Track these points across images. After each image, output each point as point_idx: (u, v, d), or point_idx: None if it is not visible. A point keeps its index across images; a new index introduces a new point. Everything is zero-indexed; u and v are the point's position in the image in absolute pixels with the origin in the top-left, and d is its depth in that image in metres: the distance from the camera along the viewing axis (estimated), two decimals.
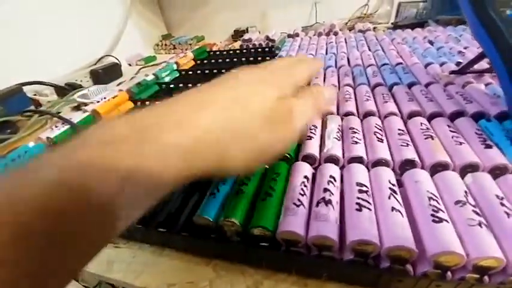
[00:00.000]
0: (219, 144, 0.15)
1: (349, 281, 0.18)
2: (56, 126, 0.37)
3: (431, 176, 0.21)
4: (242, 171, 0.17)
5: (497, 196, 0.18)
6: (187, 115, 0.14)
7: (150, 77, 0.51)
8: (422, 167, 0.22)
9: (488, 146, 0.23)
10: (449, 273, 0.16)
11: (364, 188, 0.19)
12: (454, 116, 0.28)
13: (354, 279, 0.18)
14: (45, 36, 0.65)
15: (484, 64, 0.38)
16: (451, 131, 0.25)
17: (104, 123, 0.14)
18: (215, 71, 0.55)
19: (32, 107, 0.52)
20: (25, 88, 0.54)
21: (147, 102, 0.45)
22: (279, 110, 0.17)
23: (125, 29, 0.84)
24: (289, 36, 0.66)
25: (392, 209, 0.18)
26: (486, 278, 0.16)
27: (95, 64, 0.73)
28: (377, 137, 0.24)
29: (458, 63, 0.40)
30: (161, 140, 0.13)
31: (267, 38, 0.68)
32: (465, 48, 0.46)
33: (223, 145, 0.15)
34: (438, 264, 0.16)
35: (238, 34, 0.87)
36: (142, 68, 0.74)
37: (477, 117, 0.27)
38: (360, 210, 0.17)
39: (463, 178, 0.20)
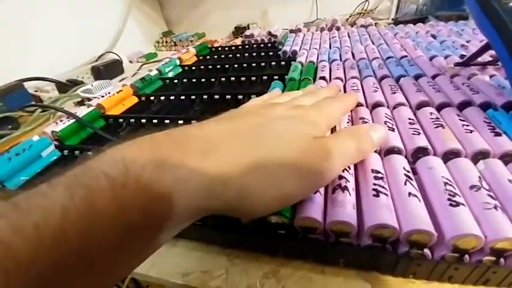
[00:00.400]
0: (243, 180, 0.13)
1: (367, 267, 0.18)
2: (61, 121, 0.37)
3: (444, 163, 0.21)
4: (259, 215, 0.15)
5: (510, 181, 0.18)
6: (215, 144, 0.14)
7: (154, 72, 0.50)
8: (435, 155, 0.22)
9: (498, 134, 0.23)
10: (466, 256, 0.17)
11: (379, 175, 0.19)
12: (462, 106, 0.28)
13: (372, 265, 0.18)
14: (45, 33, 0.64)
15: (486, 57, 0.39)
16: (460, 120, 0.25)
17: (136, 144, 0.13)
18: (218, 66, 0.55)
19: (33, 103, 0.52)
20: (26, 84, 0.54)
21: (152, 97, 0.45)
22: (316, 151, 0.15)
23: (125, 26, 0.83)
24: (292, 31, 0.66)
25: (409, 194, 0.18)
26: (502, 260, 0.16)
27: (96, 61, 0.72)
28: (388, 126, 0.24)
29: (462, 56, 0.41)
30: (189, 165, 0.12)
31: (269, 33, 0.68)
32: (467, 41, 0.47)
33: (246, 184, 0.13)
34: (456, 248, 0.16)
35: (239, 31, 0.87)
36: (144, 64, 0.74)
37: (484, 107, 0.28)
38: (377, 195, 0.17)
39: (475, 165, 0.21)
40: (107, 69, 0.66)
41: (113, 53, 0.75)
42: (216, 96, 0.42)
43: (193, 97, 0.43)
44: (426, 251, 0.17)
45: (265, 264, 0.19)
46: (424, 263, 0.17)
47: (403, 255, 0.17)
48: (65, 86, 0.57)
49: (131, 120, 0.39)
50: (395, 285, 0.18)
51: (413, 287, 0.17)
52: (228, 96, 0.41)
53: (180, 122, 0.36)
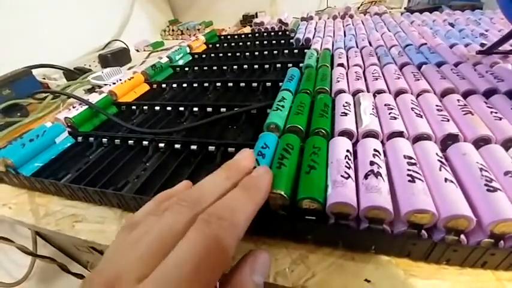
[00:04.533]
0: None
1: (400, 253, 0.18)
2: (74, 107, 0.37)
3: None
4: None
5: None
6: None
7: (164, 60, 0.50)
8: (465, 142, 0.22)
9: None
10: (501, 242, 0.16)
11: (412, 161, 0.19)
12: (487, 94, 0.27)
13: (405, 252, 0.17)
14: (53, 21, 0.63)
15: (507, 46, 0.38)
16: (488, 107, 0.25)
17: None
18: (229, 54, 0.54)
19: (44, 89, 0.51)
20: (33, 72, 0.53)
21: (163, 85, 0.44)
22: None
23: (132, 14, 0.82)
24: (303, 19, 0.65)
25: (446, 180, 0.17)
26: None
27: (103, 49, 0.71)
28: (415, 113, 0.24)
29: (482, 45, 0.40)
30: None
31: (280, 21, 0.67)
32: (486, 30, 0.45)
33: None
34: (493, 233, 0.16)
35: (247, 19, 0.86)
36: (151, 53, 0.73)
37: (510, 94, 0.27)
38: (413, 181, 0.17)
39: (506, 151, 0.20)
40: (114, 58, 0.65)
41: (119, 41, 0.74)
42: (230, 84, 0.41)
43: (206, 85, 0.42)
44: (462, 237, 0.16)
45: (294, 251, 0.19)
46: (461, 249, 0.16)
47: (439, 241, 0.16)
48: (73, 74, 0.56)
49: (144, 107, 0.38)
50: (428, 271, 0.17)
51: (446, 273, 0.17)
52: (242, 84, 0.40)
53: (195, 109, 0.36)
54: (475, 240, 0.16)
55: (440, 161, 0.19)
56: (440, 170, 0.18)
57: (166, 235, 0.12)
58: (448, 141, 0.22)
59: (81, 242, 0.25)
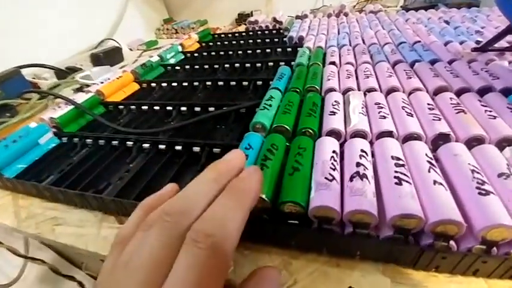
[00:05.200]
0: None
1: (386, 259, 0.17)
2: (59, 107, 0.36)
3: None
4: None
5: None
6: None
7: (155, 59, 0.49)
8: (456, 142, 0.21)
9: None
10: (494, 248, 0.15)
11: (400, 162, 0.18)
12: (482, 92, 0.27)
13: (391, 258, 0.16)
14: (44, 20, 0.62)
15: (503, 43, 0.37)
16: (482, 105, 0.24)
17: None
18: (222, 53, 0.53)
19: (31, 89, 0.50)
20: (23, 71, 0.52)
21: (153, 84, 0.43)
22: None
23: (125, 12, 0.81)
24: (298, 17, 0.64)
25: (434, 182, 0.16)
26: None
27: (95, 48, 0.70)
28: (406, 112, 0.23)
29: (477, 42, 0.39)
30: None
31: (274, 19, 0.66)
32: (482, 28, 0.45)
33: None
34: (485, 239, 0.15)
35: (242, 18, 0.85)
36: (144, 52, 0.72)
37: (506, 92, 0.26)
38: (399, 184, 0.16)
39: (500, 152, 0.19)
40: (107, 57, 0.64)
41: (112, 39, 0.73)
42: (220, 83, 0.40)
43: (196, 84, 0.41)
44: (452, 243, 0.16)
45: (277, 256, 0.18)
46: (450, 255, 0.15)
47: (427, 247, 0.15)
48: (64, 73, 0.55)
49: (132, 107, 0.37)
50: (416, 279, 0.16)
51: (435, 281, 0.16)
52: (233, 83, 0.40)
53: (183, 108, 0.35)
54: (466, 246, 0.15)
55: (430, 162, 0.18)
56: (429, 171, 0.17)
57: (155, 260, 0.11)
58: (439, 141, 0.21)
59: (61, 246, 0.24)
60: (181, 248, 0.11)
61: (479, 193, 0.16)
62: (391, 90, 0.27)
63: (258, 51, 0.51)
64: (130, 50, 0.78)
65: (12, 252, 0.42)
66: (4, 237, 0.42)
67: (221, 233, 0.11)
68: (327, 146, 0.20)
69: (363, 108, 0.24)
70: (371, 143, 0.21)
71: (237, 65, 0.45)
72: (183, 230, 0.11)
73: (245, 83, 0.39)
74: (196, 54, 0.55)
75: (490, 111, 0.23)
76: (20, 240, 0.45)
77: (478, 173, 0.17)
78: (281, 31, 0.60)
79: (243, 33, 0.65)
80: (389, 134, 0.21)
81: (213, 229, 0.11)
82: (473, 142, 0.21)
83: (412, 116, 0.23)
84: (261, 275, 0.13)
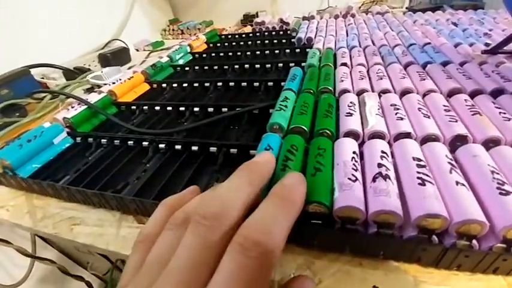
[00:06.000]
0: None
1: (409, 259, 0.17)
2: (73, 107, 0.36)
3: None
4: None
5: None
6: None
7: (165, 59, 0.49)
8: (473, 143, 0.21)
9: None
10: None
11: (422, 163, 0.18)
12: (494, 94, 0.27)
13: (415, 257, 0.17)
14: (52, 20, 0.63)
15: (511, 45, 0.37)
16: (496, 107, 0.24)
17: None
18: (230, 53, 0.54)
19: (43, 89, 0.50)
20: (32, 71, 0.52)
21: (164, 85, 0.44)
22: None
23: (131, 13, 0.81)
24: (304, 18, 0.64)
25: (457, 183, 0.16)
26: None
27: (102, 48, 0.70)
28: (423, 113, 0.23)
29: (487, 44, 0.39)
30: None
31: (281, 20, 0.66)
32: (490, 30, 0.45)
33: None
34: (505, 238, 0.15)
35: (247, 19, 0.85)
36: (151, 52, 0.72)
37: None
38: (423, 184, 0.16)
39: None
40: (114, 57, 0.64)
41: (119, 40, 0.73)
42: (231, 84, 0.40)
43: (207, 84, 0.41)
44: (474, 242, 0.16)
45: (299, 256, 0.18)
46: (472, 254, 0.16)
47: (451, 246, 0.16)
48: (72, 73, 0.56)
49: (144, 107, 0.38)
50: (438, 277, 0.17)
51: (456, 279, 0.17)
52: (244, 84, 0.40)
53: (196, 109, 0.35)
54: (487, 245, 0.16)
55: (451, 163, 0.18)
56: (451, 172, 0.17)
57: (195, 262, 0.11)
58: (456, 142, 0.21)
59: (79, 245, 0.24)
60: (225, 253, 0.11)
61: (500, 193, 0.16)
62: (406, 92, 0.28)
63: (267, 52, 0.52)
64: (137, 50, 0.78)
65: (20, 252, 0.43)
66: (10, 237, 0.43)
67: (271, 243, 0.11)
68: (347, 146, 0.20)
69: (379, 109, 0.24)
70: (389, 144, 0.21)
71: (246, 65, 0.46)
72: (220, 234, 0.11)
73: (256, 84, 0.39)
74: (204, 55, 0.55)
75: (504, 113, 0.23)
76: (24, 240, 0.45)
77: (497, 173, 0.17)
78: (288, 32, 0.60)
79: (250, 34, 0.65)
80: (407, 135, 0.22)
81: (263, 237, 0.11)
82: (489, 143, 0.21)
83: (428, 117, 0.23)
84: (299, 284, 0.12)
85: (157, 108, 0.37)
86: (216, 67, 0.48)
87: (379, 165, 0.18)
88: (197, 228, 0.11)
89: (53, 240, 0.54)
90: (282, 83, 0.34)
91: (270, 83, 0.39)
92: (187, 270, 0.11)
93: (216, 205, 0.12)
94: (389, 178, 0.17)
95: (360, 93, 0.28)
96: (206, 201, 0.13)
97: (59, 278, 0.57)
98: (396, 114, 0.23)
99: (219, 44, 0.62)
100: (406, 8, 0.76)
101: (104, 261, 0.61)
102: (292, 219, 0.13)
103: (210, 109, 0.34)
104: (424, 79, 0.29)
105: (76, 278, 0.53)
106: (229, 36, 0.67)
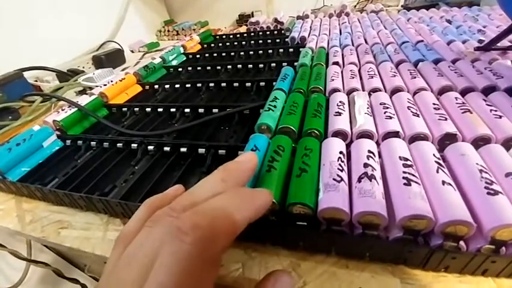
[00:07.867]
0: None
1: (396, 260, 0.17)
2: (63, 109, 0.36)
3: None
4: None
5: None
6: None
7: (157, 60, 0.49)
8: (463, 142, 0.21)
9: None
10: (503, 248, 0.15)
11: (408, 162, 0.18)
12: (486, 91, 0.26)
13: (401, 259, 0.16)
14: (46, 22, 0.62)
15: (506, 42, 0.37)
16: (487, 105, 0.24)
17: None
18: (224, 54, 0.53)
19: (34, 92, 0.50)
20: (26, 74, 0.52)
21: (156, 86, 0.43)
22: None
23: (126, 14, 0.80)
24: (299, 18, 0.64)
25: (443, 182, 0.16)
26: None
27: (97, 50, 0.70)
28: (412, 112, 0.23)
29: (480, 41, 0.39)
30: None
31: (276, 20, 0.66)
32: (484, 27, 0.45)
33: None
34: (494, 239, 0.15)
35: (243, 19, 0.85)
36: (146, 53, 0.72)
37: (510, 92, 0.26)
38: (408, 184, 0.16)
39: (507, 151, 0.19)
40: (109, 59, 0.64)
41: (114, 42, 0.73)
42: (223, 84, 0.40)
43: (199, 85, 0.41)
44: (461, 243, 0.15)
45: (285, 258, 0.18)
46: (460, 256, 0.15)
47: (437, 248, 0.15)
48: (66, 76, 0.55)
49: (135, 109, 0.37)
50: (425, 279, 0.16)
51: (445, 281, 0.16)
52: (236, 84, 0.40)
53: (187, 110, 0.35)
54: (475, 246, 0.15)
55: (438, 163, 0.18)
56: (437, 172, 0.17)
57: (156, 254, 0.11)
58: (445, 141, 0.21)
59: (66, 249, 0.24)
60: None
61: (488, 193, 0.16)
62: (396, 90, 0.27)
63: (260, 52, 0.51)
64: (132, 52, 0.78)
65: (15, 256, 0.43)
66: (7, 240, 0.42)
67: (210, 226, 0.11)
68: (334, 146, 0.20)
69: (368, 108, 0.24)
70: (377, 143, 0.21)
71: (239, 66, 0.45)
72: None
73: (248, 84, 0.39)
74: (198, 56, 0.55)
75: (496, 110, 0.23)
76: (22, 243, 0.45)
77: (486, 172, 0.17)
78: (282, 32, 0.60)
79: (245, 34, 0.65)
80: (395, 134, 0.21)
81: (202, 220, 0.11)
82: (479, 142, 0.21)
83: (418, 116, 0.23)
84: (275, 278, 0.13)
85: (148, 109, 0.36)
86: (209, 68, 0.47)
87: (365, 165, 0.18)
88: (165, 219, 0.12)
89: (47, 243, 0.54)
90: (274, 83, 0.33)
91: (262, 83, 0.38)
92: (149, 259, 0.11)
93: (187, 199, 0.13)
94: (375, 178, 0.17)
95: (350, 92, 0.28)
96: (179, 198, 0.13)
97: (55, 281, 0.56)
98: (385, 113, 0.23)
99: (213, 45, 0.62)
100: (402, 6, 0.76)
101: (101, 264, 0.61)
102: (249, 210, 0.13)
103: (201, 110, 0.34)
104: (415, 77, 0.29)
105: (71, 281, 0.53)
106: (224, 37, 0.67)
